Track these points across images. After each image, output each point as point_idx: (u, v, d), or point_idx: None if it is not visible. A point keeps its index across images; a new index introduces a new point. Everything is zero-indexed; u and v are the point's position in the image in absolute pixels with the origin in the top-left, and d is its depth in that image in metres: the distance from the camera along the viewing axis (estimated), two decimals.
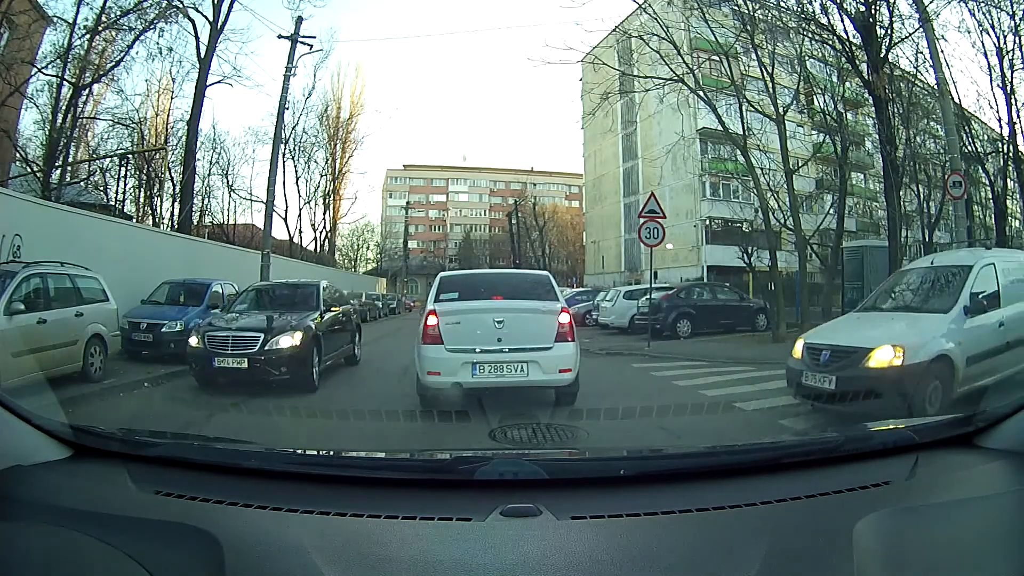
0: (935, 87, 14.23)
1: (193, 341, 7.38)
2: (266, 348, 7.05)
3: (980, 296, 5.75)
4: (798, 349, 5.89)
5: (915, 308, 6.19)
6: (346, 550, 1.07)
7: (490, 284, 6.82)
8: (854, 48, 15.34)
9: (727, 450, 1.51)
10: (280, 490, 1.26)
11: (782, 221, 17.05)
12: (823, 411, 5.59)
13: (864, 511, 1.12)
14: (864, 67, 14.99)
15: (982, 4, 17.50)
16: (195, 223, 23.33)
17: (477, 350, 5.51)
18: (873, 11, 14.32)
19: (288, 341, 7.18)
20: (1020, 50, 18.24)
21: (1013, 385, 5.70)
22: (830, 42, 16.06)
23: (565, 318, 5.80)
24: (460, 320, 5.70)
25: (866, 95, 16.56)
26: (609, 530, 1.12)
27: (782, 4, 16.19)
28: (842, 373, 5.29)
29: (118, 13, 17.35)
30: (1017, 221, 22.95)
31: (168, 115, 25.06)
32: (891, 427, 1.69)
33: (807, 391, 5.58)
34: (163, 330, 9.33)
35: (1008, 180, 21.32)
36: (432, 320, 5.68)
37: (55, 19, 16.87)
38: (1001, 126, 20.12)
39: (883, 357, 5.16)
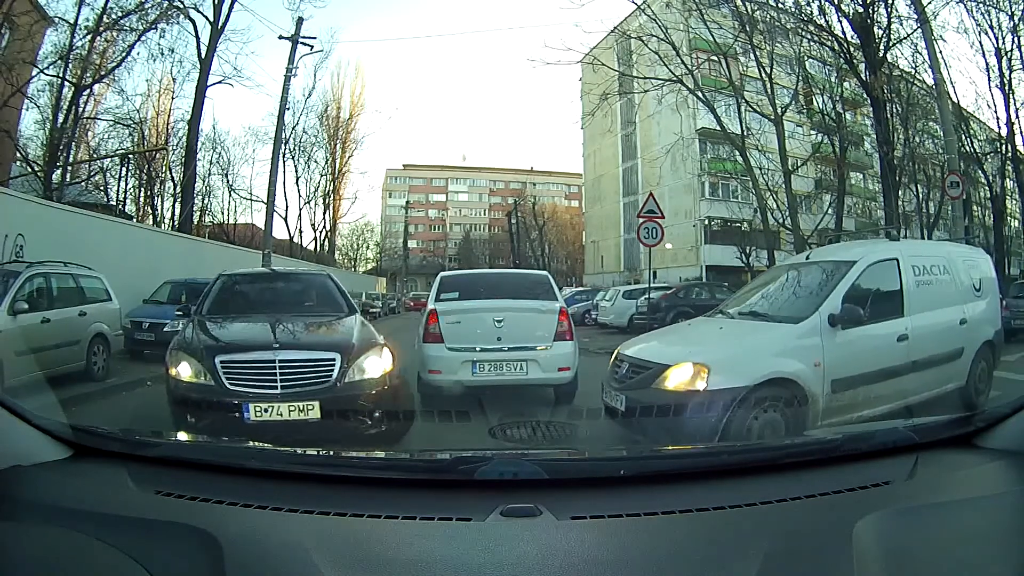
0: (934, 87, 14.27)
1: (184, 372, 4.06)
2: (346, 380, 4.03)
3: (863, 301, 4.49)
4: (612, 359, 4.82)
5: (763, 315, 4.91)
6: (346, 550, 1.07)
7: (490, 284, 6.87)
8: (852, 49, 15.38)
9: (727, 450, 1.52)
10: (280, 490, 1.26)
11: (780, 221, 17.10)
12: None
13: (864, 511, 1.12)
14: (862, 68, 15.03)
15: (981, 4, 17.55)
16: (195, 223, 23.36)
17: (477, 349, 5.58)
18: (871, 12, 14.35)
19: (377, 365, 4.23)
20: (1019, 50, 18.28)
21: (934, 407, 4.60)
22: (828, 43, 16.11)
23: (564, 317, 5.89)
24: (460, 319, 5.77)
25: (865, 95, 16.61)
26: (609, 530, 1.12)
27: (780, 5, 16.24)
28: (632, 393, 4.22)
29: (119, 14, 17.44)
30: (1016, 221, 22.99)
31: (169, 115, 25.12)
32: (891, 427, 1.70)
33: (608, 410, 4.51)
34: (165, 329, 9.39)
35: (1007, 180, 21.38)
36: (433, 319, 5.75)
37: (57, 20, 16.94)
38: (999, 126, 20.19)
39: (680, 377, 4.01)
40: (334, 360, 4.05)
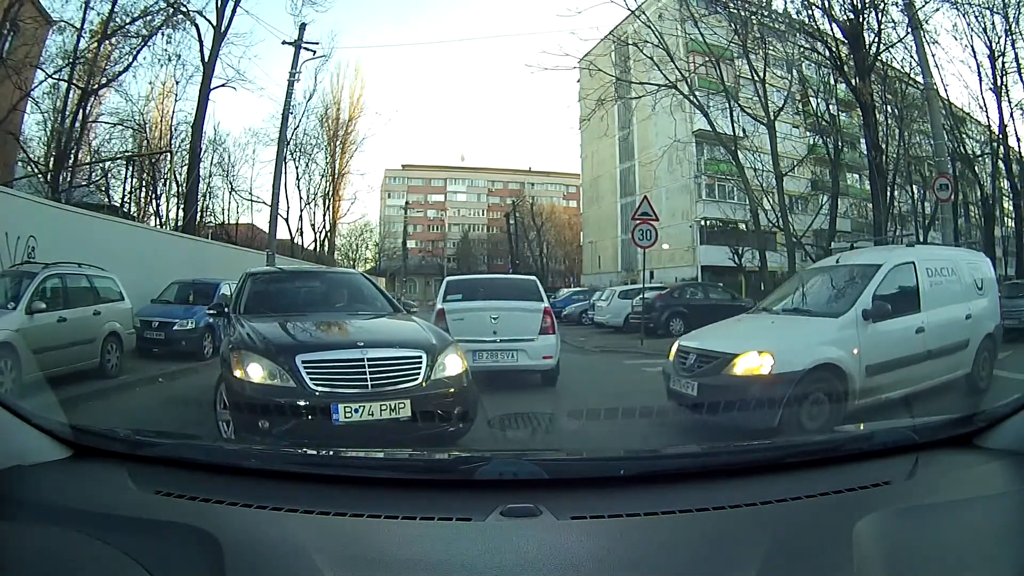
0: (924, 90, 14.37)
1: (256, 373, 3.79)
2: (432, 378, 3.98)
3: (888, 299, 5.18)
4: (673, 351, 5.42)
5: (806, 311, 5.62)
6: (346, 550, 1.07)
7: (487, 287, 8.17)
8: (842, 55, 15.44)
9: (727, 450, 1.51)
10: (280, 490, 1.26)
11: (773, 222, 17.17)
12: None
13: (864, 511, 1.12)
14: (853, 74, 15.10)
15: (975, 7, 17.65)
16: (197, 223, 23.29)
17: (477, 340, 6.51)
18: (861, 19, 14.42)
19: (457, 363, 4.22)
20: (1014, 50, 18.38)
21: (944, 393, 5.39)
22: (819, 51, 16.21)
23: (547, 315, 7.21)
24: (463, 317, 6.91)
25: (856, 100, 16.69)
26: (609, 530, 1.12)
27: (773, 12, 16.35)
28: (704, 380, 4.83)
29: (125, 20, 17.57)
30: (1011, 220, 23.10)
31: (172, 117, 25.01)
32: (891, 427, 1.71)
33: (675, 396, 5.10)
34: (174, 328, 9.60)
35: (1001, 181, 21.49)
36: (441, 317, 6.89)
37: (63, 24, 17.12)
38: (990, 128, 20.28)
39: (748, 364, 4.65)
40: (421, 358, 3.98)
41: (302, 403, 3.64)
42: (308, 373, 3.71)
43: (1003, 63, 18.68)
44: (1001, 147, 20.02)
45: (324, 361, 3.79)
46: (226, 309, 5.31)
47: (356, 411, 3.64)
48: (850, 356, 4.78)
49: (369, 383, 3.74)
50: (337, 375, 3.76)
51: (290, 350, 3.87)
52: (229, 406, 3.89)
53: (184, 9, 18.35)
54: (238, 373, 3.82)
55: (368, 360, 3.79)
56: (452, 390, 4.04)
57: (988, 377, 6.10)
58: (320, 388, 3.69)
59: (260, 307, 5.14)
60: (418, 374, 3.91)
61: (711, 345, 5.14)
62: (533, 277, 8.71)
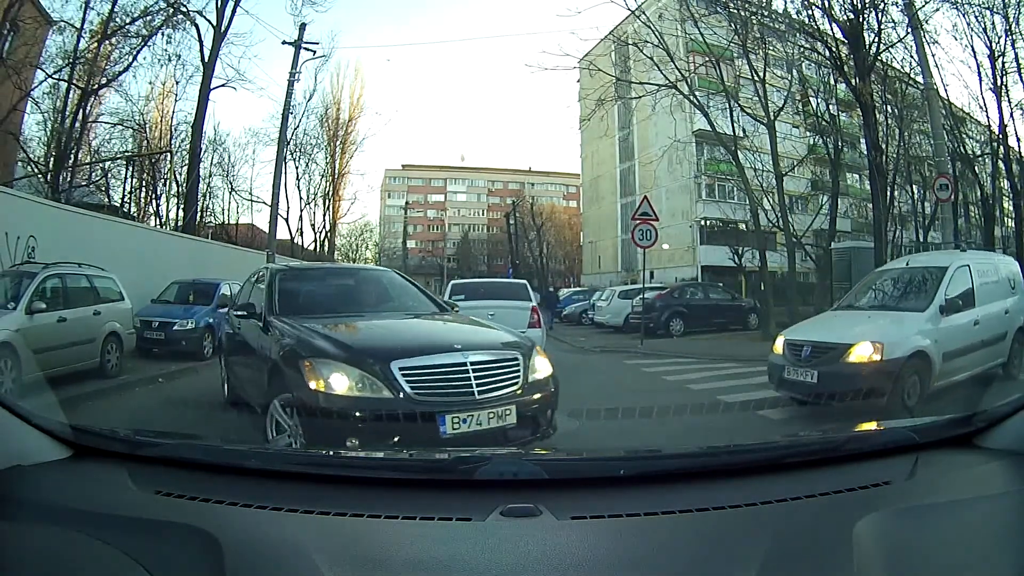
0: (924, 90, 14.35)
1: (340, 384, 3.42)
2: (529, 381, 3.89)
3: (955, 296, 6.07)
4: (779, 345, 6.12)
5: (891, 307, 6.47)
6: (346, 550, 1.07)
7: (486, 288, 9.68)
8: (842, 55, 15.44)
9: (727, 450, 1.51)
10: (280, 490, 1.26)
11: (773, 222, 17.16)
12: (801, 403, 5.74)
13: (864, 511, 1.12)
14: (853, 74, 15.07)
15: (975, 7, 17.62)
16: (197, 223, 23.29)
17: None
18: (861, 19, 14.40)
19: (546, 365, 4.08)
20: (1014, 50, 18.36)
21: (987, 379, 6.24)
22: (820, 52, 16.20)
23: (534, 312, 8.62)
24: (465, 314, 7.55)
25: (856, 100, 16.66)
26: (609, 530, 1.12)
27: (774, 11, 16.32)
28: (823, 368, 5.51)
29: (126, 20, 17.60)
30: (1011, 220, 23.08)
31: (172, 117, 25.00)
32: (891, 427, 1.71)
33: (789, 385, 5.78)
34: (174, 328, 9.64)
35: (1001, 181, 21.46)
36: None
37: (63, 24, 17.16)
38: (990, 128, 20.25)
39: (863, 352, 5.43)
40: (518, 360, 3.74)
41: (403, 415, 3.30)
42: (407, 381, 3.35)
43: (1003, 63, 18.63)
44: (1001, 147, 19.98)
45: (424, 367, 3.45)
46: (257, 310, 4.67)
47: (464, 421, 3.34)
48: (934, 345, 5.60)
49: (475, 390, 3.44)
50: (440, 382, 3.44)
51: (382, 356, 3.48)
52: (301, 422, 3.45)
53: (184, 9, 18.40)
54: (314, 384, 3.39)
55: (471, 364, 3.50)
56: (543, 394, 3.83)
57: (1020, 365, 6.89)
58: (422, 398, 3.36)
59: (300, 308, 4.61)
60: (518, 378, 3.69)
61: (823, 337, 5.86)
62: (523, 280, 10.56)
